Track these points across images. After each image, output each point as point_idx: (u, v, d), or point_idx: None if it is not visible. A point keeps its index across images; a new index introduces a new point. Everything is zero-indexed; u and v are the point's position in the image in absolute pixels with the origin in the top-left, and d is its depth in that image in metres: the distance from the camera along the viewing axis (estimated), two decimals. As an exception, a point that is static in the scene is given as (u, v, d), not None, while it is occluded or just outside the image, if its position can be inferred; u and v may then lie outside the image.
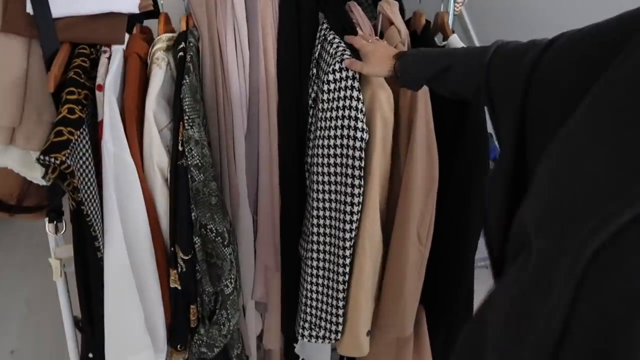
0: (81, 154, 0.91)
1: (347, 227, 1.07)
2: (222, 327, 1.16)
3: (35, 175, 1.03)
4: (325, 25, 1.11)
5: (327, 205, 1.09)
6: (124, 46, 1.06)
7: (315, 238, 1.13)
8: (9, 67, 0.98)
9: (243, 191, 1.20)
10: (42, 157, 0.84)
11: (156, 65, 1.04)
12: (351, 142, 1.01)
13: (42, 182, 1.03)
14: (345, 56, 1.00)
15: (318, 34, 1.13)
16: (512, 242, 0.50)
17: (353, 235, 1.07)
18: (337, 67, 1.00)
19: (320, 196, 1.09)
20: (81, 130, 0.91)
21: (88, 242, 0.98)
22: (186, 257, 1.06)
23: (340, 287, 1.12)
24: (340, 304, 1.14)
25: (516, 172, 0.54)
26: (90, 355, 1.12)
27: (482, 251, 0.72)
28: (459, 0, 1.18)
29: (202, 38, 1.09)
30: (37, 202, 1.17)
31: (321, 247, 1.13)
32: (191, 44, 1.06)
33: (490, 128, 0.72)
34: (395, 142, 1.08)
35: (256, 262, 1.28)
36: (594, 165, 0.37)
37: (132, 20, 1.09)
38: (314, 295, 1.18)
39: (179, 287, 1.10)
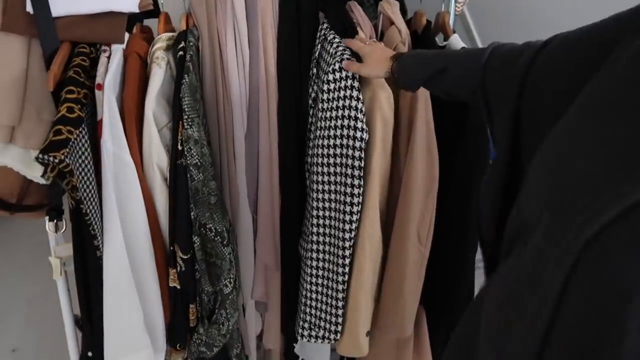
0: (80, 152, 0.91)
1: (347, 227, 1.06)
2: (221, 326, 1.16)
3: (35, 173, 1.03)
4: (325, 25, 1.11)
5: (327, 205, 1.09)
6: (123, 45, 1.06)
7: (315, 238, 1.13)
8: (8, 65, 0.98)
9: (243, 191, 1.20)
10: (41, 155, 0.84)
11: (156, 64, 1.04)
12: (351, 142, 1.01)
13: (42, 181, 1.03)
14: (345, 56, 1.00)
15: (318, 34, 1.12)
16: (506, 240, 0.50)
17: (353, 235, 1.07)
18: (337, 67, 1.00)
19: (320, 196, 1.09)
20: (80, 129, 0.91)
21: (87, 241, 0.99)
22: (185, 257, 1.06)
23: (340, 287, 1.12)
24: (340, 304, 1.14)
25: (511, 173, 0.54)
26: (90, 353, 1.12)
27: (482, 251, 0.73)
28: (460, 0, 1.18)
29: (202, 37, 1.09)
30: (37, 200, 1.17)
31: (321, 247, 1.13)
32: (191, 44, 1.06)
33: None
34: (395, 142, 1.07)
35: (256, 262, 1.28)
36: (585, 161, 0.38)
37: (132, 19, 1.09)
38: (314, 295, 1.18)
39: (178, 287, 1.10)
